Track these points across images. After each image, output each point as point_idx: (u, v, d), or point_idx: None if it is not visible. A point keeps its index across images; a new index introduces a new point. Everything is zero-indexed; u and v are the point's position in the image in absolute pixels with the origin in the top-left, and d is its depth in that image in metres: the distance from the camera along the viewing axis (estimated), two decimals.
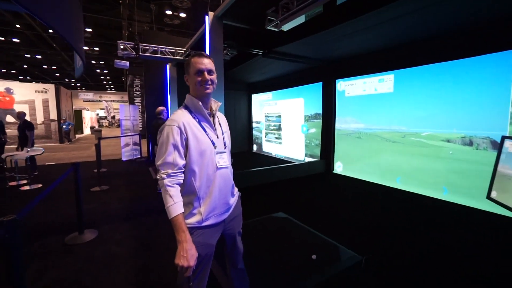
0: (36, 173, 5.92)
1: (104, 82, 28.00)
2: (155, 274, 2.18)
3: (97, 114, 28.51)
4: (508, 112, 2.51)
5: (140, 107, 14.04)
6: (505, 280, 2.09)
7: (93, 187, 4.77)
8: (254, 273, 1.84)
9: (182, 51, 5.66)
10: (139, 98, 14.85)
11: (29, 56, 16.12)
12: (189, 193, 1.19)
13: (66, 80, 24.51)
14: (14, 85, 11.89)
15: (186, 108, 1.25)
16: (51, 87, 12.43)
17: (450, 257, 2.41)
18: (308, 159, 5.43)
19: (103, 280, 2.11)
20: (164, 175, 1.11)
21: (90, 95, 28.67)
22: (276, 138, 6.51)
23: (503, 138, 1.41)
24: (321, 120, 4.98)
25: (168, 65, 6.89)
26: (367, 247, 2.46)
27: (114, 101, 29.28)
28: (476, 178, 2.76)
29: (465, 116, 2.86)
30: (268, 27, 3.11)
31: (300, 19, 2.82)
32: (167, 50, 5.58)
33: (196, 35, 4.63)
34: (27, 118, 5.99)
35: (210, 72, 1.21)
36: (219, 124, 1.35)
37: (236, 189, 1.43)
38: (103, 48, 15.43)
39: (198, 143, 1.18)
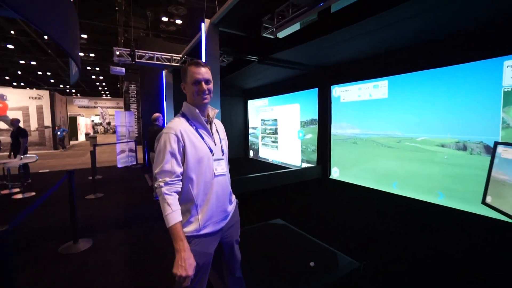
0: (29, 181, 5.83)
1: (100, 88, 27.88)
2: (151, 283, 2.14)
3: (92, 121, 28.30)
4: (500, 117, 2.56)
5: (136, 113, 13.99)
6: (501, 282, 2.10)
7: (88, 195, 4.71)
8: (252, 281, 1.81)
9: (178, 58, 5.68)
10: (135, 104, 14.81)
11: (23, 62, 16.02)
12: (186, 201, 1.18)
13: (61, 86, 24.37)
14: (8, 91, 11.77)
15: (183, 115, 1.25)
16: (45, 94, 12.33)
17: (447, 261, 2.41)
18: (304, 165, 5.44)
19: None
20: (162, 183, 1.11)
21: (85, 101, 28.50)
22: (273, 143, 6.52)
23: (496, 144, 1.44)
24: (317, 125, 5.01)
25: (164, 71, 6.90)
26: (365, 253, 2.46)
27: (109, 107, 29.13)
28: (471, 183, 2.79)
29: (459, 121, 2.90)
30: (264, 34, 3.14)
31: (295, 27, 2.86)
32: (163, 56, 5.59)
33: (192, 42, 4.66)
34: (21, 125, 5.90)
35: (207, 81, 1.21)
36: (217, 131, 1.35)
37: (234, 196, 1.43)
38: (99, 54, 15.43)
39: (196, 150, 1.18)
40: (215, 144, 1.28)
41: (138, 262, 2.47)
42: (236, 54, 4.46)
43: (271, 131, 6.54)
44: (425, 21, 2.55)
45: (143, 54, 5.38)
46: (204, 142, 1.22)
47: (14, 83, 22.01)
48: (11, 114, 11.12)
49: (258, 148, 7.17)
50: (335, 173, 4.65)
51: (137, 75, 12.60)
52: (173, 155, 1.13)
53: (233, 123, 7.37)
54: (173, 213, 1.08)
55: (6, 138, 7.52)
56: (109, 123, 28.67)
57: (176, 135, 1.14)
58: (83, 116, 24.20)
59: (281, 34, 3.06)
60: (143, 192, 5.04)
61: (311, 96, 5.18)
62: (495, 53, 2.58)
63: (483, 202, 1.44)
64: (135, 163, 8.37)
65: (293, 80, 5.64)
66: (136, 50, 5.27)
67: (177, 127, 1.16)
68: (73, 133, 18.54)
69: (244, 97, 7.56)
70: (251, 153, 7.54)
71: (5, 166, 5.00)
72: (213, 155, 1.24)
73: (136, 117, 13.90)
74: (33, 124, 12.02)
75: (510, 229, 2.37)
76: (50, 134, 12.45)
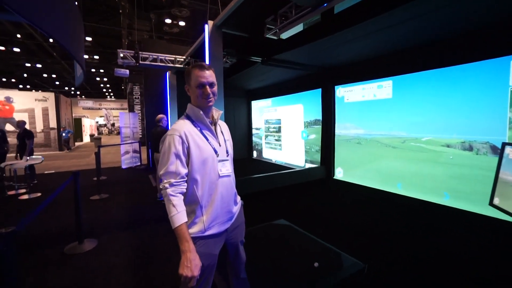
0: (35, 181, 5.89)
1: (104, 90, 28.14)
2: (155, 284, 2.15)
3: (97, 122, 28.54)
4: (507, 117, 2.53)
5: (139, 114, 14.08)
6: (507, 284, 2.07)
7: (92, 196, 4.75)
8: (256, 281, 1.81)
9: (182, 59, 5.71)
10: (139, 106, 14.90)
11: (29, 65, 16.24)
12: (191, 202, 1.18)
13: (66, 88, 24.63)
14: (14, 93, 11.94)
15: (188, 117, 1.26)
16: (50, 96, 12.47)
17: (453, 262, 2.38)
18: (308, 165, 5.42)
19: None
20: (167, 185, 1.11)
21: (89, 103, 28.75)
22: (276, 144, 6.51)
23: (504, 144, 1.42)
24: (320, 126, 4.99)
25: (168, 72, 6.94)
26: (369, 253, 2.44)
27: (113, 109, 29.35)
28: (477, 183, 2.75)
29: (465, 121, 2.87)
30: (267, 35, 3.14)
31: (299, 28, 2.85)
32: (166, 58, 5.63)
33: (196, 44, 4.68)
34: (27, 126, 5.98)
35: (211, 85, 1.22)
36: (221, 132, 1.35)
37: (239, 197, 1.42)
38: (103, 56, 15.58)
39: (200, 151, 1.18)
40: (220, 145, 1.28)
41: (142, 264, 2.48)
42: (239, 55, 4.47)
43: (274, 131, 6.54)
44: (429, 21, 2.53)
45: (147, 56, 5.42)
46: (209, 143, 1.23)
47: (20, 86, 22.31)
48: (17, 116, 11.28)
49: (261, 148, 7.17)
50: (339, 174, 4.63)
51: (141, 77, 12.69)
52: (177, 156, 1.13)
53: (236, 123, 7.38)
54: (179, 214, 1.08)
55: (13, 140, 7.61)
56: (113, 124, 28.89)
57: (181, 137, 1.14)
58: (87, 117, 24.43)
59: (285, 35, 3.06)
60: (147, 193, 5.07)
61: (314, 96, 5.17)
62: (502, 52, 2.55)
63: (491, 203, 1.42)
64: (139, 164, 8.42)
65: (296, 81, 5.63)
66: (140, 52, 5.32)
67: (182, 128, 1.17)
68: (78, 135, 18.73)
69: (247, 97, 7.57)
70: (255, 154, 7.53)
71: (12, 167, 5.06)
72: (217, 156, 1.24)
73: (140, 118, 13.99)
74: (39, 126, 12.17)
75: None
76: (55, 135, 12.58)
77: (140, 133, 12.81)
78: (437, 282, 2.10)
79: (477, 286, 2.08)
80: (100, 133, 27.86)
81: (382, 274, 2.16)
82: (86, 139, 20.49)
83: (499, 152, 2.52)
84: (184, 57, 5.63)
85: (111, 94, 30.30)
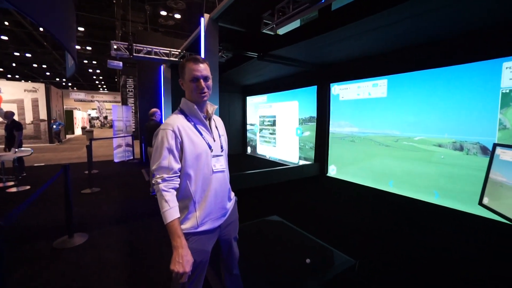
0: (24, 174, 5.77)
1: (97, 82, 27.59)
2: (147, 279, 2.13)
3: (89, 115, 28.03)
4: (497, 118, 2.57)
5: (133, 108, 13.88)
6: (496, 282, 2.13)
7: (84, 189, 4.68)
8: (248, 277, 1.82)
9: (177, 53, 5.62)
10: (132, 99, 14.68)
11: (18, 54, 15.76)
12: (184, 197, 1.17)
13: (57, 79, 24.06)
14: (2, 83, 11.59)
15: (181, 112, 1.23)
16: (41, 86, 12.15)
17: (442, 260, 2.44)
18: (302, 162, 5.45)
19: (93, 285, 2.05)
20: (159, 180, 1.10)
21: (81, 95, 28.17)
22: (271, 140, 6.51)
23: (495, 145, 1.44)
24: (315, 123, 5.01)
25: (162, 66, 6.83)
26: (361, 250, 2.48)
27: (106, 101, 28.85)
28: (467, 183, 2.81)
29: (456, 122, 2.92)
30: (264, 31, 3.11)
31: (296, 24, 2.83)
32: (161, 51, 5.53)
33: (191, 37, 4.61)
34: (16, 117, 5.82)
35: (206, 78, 1.19)
36: (216, 127, 1.33)
37: (233, 193, 1.42)
38: (96, 47, 15.23)
39: (194, 146, 1.16)
40: (214, 140, 1.27)
41: (133, 259, 2.46)
42: (235, 50, 4.42)
43: (269, 127, 6.53)
44: (426, 21, 2.55)
45: (141, 48, 5.31)
46: (203, 138, 1.21)
47: (9, 76, 21.68)
48: (5, 107, 10.96)
49: (256, 144, 7.16)
50: (333, 171, 4.66)
51: (135, 69, 12.48)
52: (170, 151, 1.11)
53: (231, 119, 7.34)
54: (171, 209, 1.07)
55: (1, 131, 7.42)
56: (106, 117, 28.43)
57: (174, 131, 1.12)
58: (79, 110, 23.97)
59: (281, 31, 3.04)
60: (140, 187, 5.02)
61: (310, 93, 5.17)
62: (494, 54, 2.58)
63: (480, 203, 1.45)
64: (132, 158, 8.33)
65: (292, 77, 5.62)
66: (134, 44, 5.21)
67: (175, 123, 1.15)
68: (69, 127, 18.37)
69: (243, 93, 7.53)
70: (249, 150, 7.53)
71: None
72: (211, 151, 1.22)
73: (134, 111, 13.79)
74: (28, 117, 11.87)
75: (506, 230, 2.40)
76: (45, 127, 12.31)
77: (133, 127, 12.64)
78: (426, 280, 2.15)
79: (465, 284, 2.13)
80: (92, 126, 27.38)
81: (373, 271, 2.19)
82: (78, 131, 20.12)
83: (489, 152, 2.58)
84: (179, 50, 5.54)
85: (104, 86, 29.74)
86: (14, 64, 18.31)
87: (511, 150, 1.34)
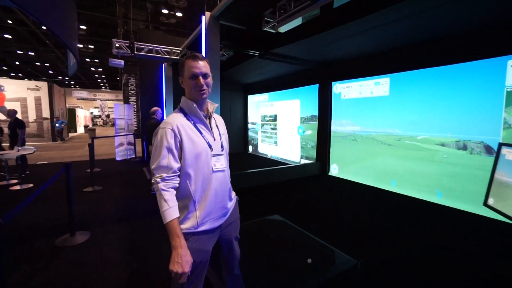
0: (27, 172, 5.80)
1: (99, 80, 27.65)
2: (148, 278, 2.14)
3: (91, 113, 28.11)
4: (502, 117, 2.54)
5: (135, 106, 13.91)
6: (499, 282, 2.11)
7: (86, 187, 4.69)
8: (249, 277, 1.81)
9: (178, 51, 5.60)
10: (134, 97, 14.70)
11: (21, 52, 15.82)
12: (184, 197, 1.16)
13: (60, 77, 24.14)
14: (5, 82, 11.66)
15: (181, 110, 1.22)
16: (43, 85, 12.20)
17: (444, 260, 2.42)
18: (303, 161, 5.43)
19: (94, 284, 2.06)
20: (158, 179, 1.09)
21: (84, 93, 28.26)
22: (272, 139, 6.50)
23: (500, 145, 1.42)
24: (317, 122, 4.98)
25: (164, 64, 6.82)
26: (362, 250, 2.46)
27: (108, 100, 28.92)
28: (470, 183, 2.78)
29: (460, 121, 2.88)
30: (265, 29, 3.09)
31: (297, 21, 2.81)
32: (162, 49, 5.52)
33: (193, 35, 4.59)
34: (19, 116, 5.85)
35: (205, 75, 1.18)
36: (216, 126, 1.32)
37: (234, 193, 1.40)
38: (98, 46, 15.25)
39: (193, 145, 1.15)
40: (214, 139, 1.25)
41: (135, 257, 2.47)
42: (236, 48, 4.40)
43: (270, 126, 6.51)
44: (428, 18, 2.51)
45: (142, 46, 5.30)
46: (203, 137, 1.20)
47: (12, 74, 21.78)
48: (8, 105, 11.03)
49: (257, 143, 7.15)
50: (334, 170, 4.64)
51: (137, 68, 12.48)
52: (169, 150, 1.10)
53: (232, 118, 7.32)
54: (170, 209, 1.06)
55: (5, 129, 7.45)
56: (108, 116, 28.51)
57: (173, 130, 1.11)
58: (82, 108, 24.06)
59: (283, 29, 3.01)
60: (142, 185, 5.03)
61: (311, 92, 5.14)
62: (499, 52, 2.54)
63: (485, 203, 1.42)
64: (133, 156, 8.35)
65: (294, 76, 5.59)
66: (136, 43, 5.20)
67: (174, 122, 1.14)
68: (72, 125, 18.46)
69: (244, 92, 7.50)
70: (250, 148, 7.51)
71: (2, 158, 4.96)
72: (212, 150, 1.21)
73: (135, 110, 13.82)
74: (31, 116, 11.93)
75: (510, 230, 2.38)
76: (48, 125, 12.37)
77: (135, 125, 12.68)
78: (428, 280, 2.13)
79: (468, 284, 2.11)
80: (94, 124, 27.48)
81: (374, 271, 2.18)
82: (81, 130, 20.21)
83: (493, 152, 2.55)
84: (181, 49, 5.53)
85: (106, 85, 29.81)
86: (17, 63, 18.39)
87: None
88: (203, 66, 1.17)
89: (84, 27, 12.43)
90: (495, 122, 2.59)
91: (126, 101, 14.89)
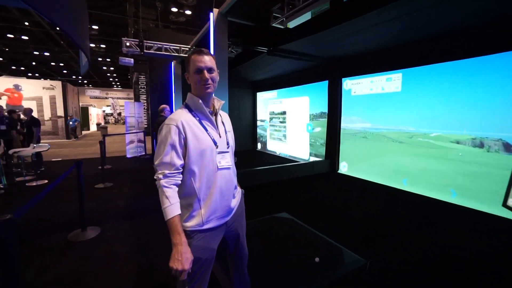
0: (42, 169, 5.99)
1: (111, 79, 28.26)
2: (157, 273, 2.16)
3: (104, 111, 28.78)
4: None
5: (145, 104, 14.12)
6: None
7: (97, 184, 4.80)
8: (257, 274, 1.80)
9: (187, 49, 5.63)
10: (145, 96, 14.92)
11: (37, 53, 16.34)
12: (188, 194, 1.15)
13: (73, 77, 24.80)
14: (23, 82, 12.06)
15: (187, 106, 1.21)
16: (58, 84, 12.56)
17: (458, 261, 2.34)
18: (312, 159, 5.36)
19: (104, 278, 2.10)
20: (160, 176, 1.08)
21: (96, 92, 28.92)
22: (281, 136, 6.45)
23: None
24: (326, 119, 4.90)
25: (173, 62, 6.88)
26: (372, 250, 2.41)
27: (120, 98, 29.50)
28: (486, 182, 2.67)
29: (476, 117, 2.76)
30: (274, 24, 3.04)
31: (306, 16, 2.76)
32: (171, 47, 5.56)
33: (201, 32, 4.59)
34: (35, 114, 6.04)
35: (210, 70, 1.16)
36: (222, 123, 1.30)
37: (238, 188, 1.38)
38: (109, 45, 15.55)
39: (198, 142, 1.14)
40: (220, 137, 1.24)
41: (144, 253, 2.50)
42: (245, 45, 4.37)
43: (279, 123, 6.47)
44: (443, 11, 2.40)
45: (152, 44, 5.35)
46: (208, 134, 1.18)
47: (29, 74, 22.53)
48: (25, 104, 11.40)
49: (266, 140, 7.12)
50: (344, 168, 4.56)
51: (146, 66, 12.65)
52: (173, 147, 1.09)
53: (241, 115, 7.32)
54: (172, 206, 1.06)
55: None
56: (119, 114, 29.10)
57: (177, 127, 1.10)
58: (94, 106, 24.63)
59: (292, 24, 2.96)
60: (151, 182, 5.09)
61: (321, 88, 5.06)
62: None
63: (504, 204, 1.35)
64: (144, 153, 8.48)
65: (303, 72, 5.51)
66: (145, 41, 5.26)
67: (179, 118, 1.13)
68: (85, 123, 18.94)
69: (252, 89, 7.48)
70: (259, 146, 7.50)
71: (19, 155, 5.14)
72: (217, 147, 1.19)
73: (145, 108, 14.03)
74: (47, 114, 12.31)
75: None
76: (62, 123, 12.73)
77: (145, 123, 12.87)
78: (440, 280, 2.06)
79: (482, 285, 2.03)
80: (106, 122, 28.12)
81: (384, 271, 2.13)
82: (93, 128, 20.72)
83: None
84: (189, 46, 5.55)
85: (118, 83, 30.41)
86: (33, 63, 19.00)
87: None
88: (208, 60, 1.15)
89: (96, 27, 12.69)
90: None
91: (136, 99, 15.14)
